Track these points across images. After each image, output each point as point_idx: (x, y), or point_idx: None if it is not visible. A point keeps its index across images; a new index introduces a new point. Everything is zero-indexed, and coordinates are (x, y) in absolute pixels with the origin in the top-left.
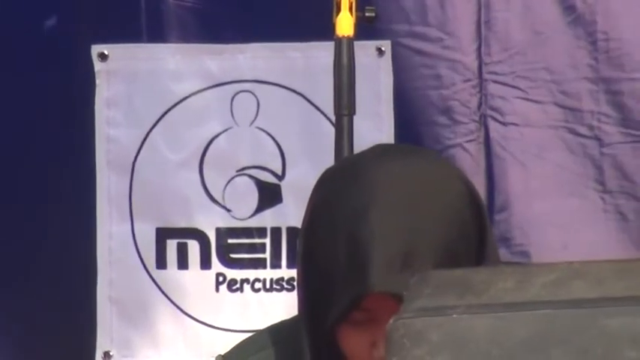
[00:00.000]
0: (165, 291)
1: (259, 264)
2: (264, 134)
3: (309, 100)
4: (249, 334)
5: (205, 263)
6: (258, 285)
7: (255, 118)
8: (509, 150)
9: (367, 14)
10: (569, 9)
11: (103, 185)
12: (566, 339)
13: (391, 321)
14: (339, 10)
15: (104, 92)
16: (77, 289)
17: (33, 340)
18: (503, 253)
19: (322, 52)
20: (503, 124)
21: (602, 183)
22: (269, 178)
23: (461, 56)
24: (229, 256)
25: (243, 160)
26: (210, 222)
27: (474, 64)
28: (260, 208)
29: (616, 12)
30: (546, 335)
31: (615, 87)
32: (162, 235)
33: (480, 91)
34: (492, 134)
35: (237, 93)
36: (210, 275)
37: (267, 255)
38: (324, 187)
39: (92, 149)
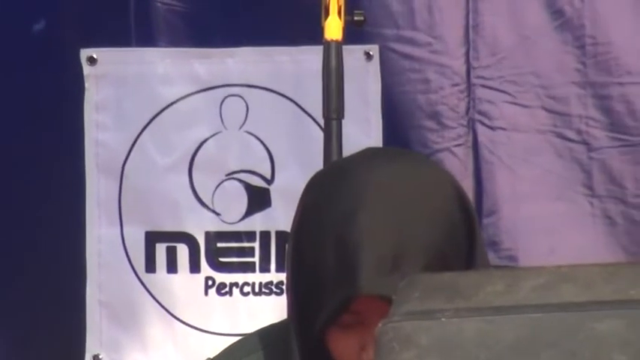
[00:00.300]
0: (155, 294)
1: (248, 268)
2: (253, 138)
3: (297, 105)
4: (238, 338)
5: (194, 267)
6: (247, 289)
7: (244, 122)
8: (497, 154)
9: (356, 18)
10: (556, 13)
11: (92, 189)
12: (554, 342)
13: (380, 324)
14: (327, 14)
15: (93, 96)
16: (67, 292)
17: (22, 343)
18: (491, 258)
19: (311, 57)
20: (492, 128)
21: (590, 187)
22: (258, 182)
23: (449, 60)
24: (218, 260)
25: (232, 164)
26: (199, 226)
27: (462, 69)
28: (249, 212)
29: (604, 16)
30: (535, 339)
31: (603, 91)
32: (152, 238)
33: (468, 95)
34: (480, 138)
35: (226, 97)
36: (199, 279)
37: (256, 259)
38: (313, 191)
39: (81, 153)
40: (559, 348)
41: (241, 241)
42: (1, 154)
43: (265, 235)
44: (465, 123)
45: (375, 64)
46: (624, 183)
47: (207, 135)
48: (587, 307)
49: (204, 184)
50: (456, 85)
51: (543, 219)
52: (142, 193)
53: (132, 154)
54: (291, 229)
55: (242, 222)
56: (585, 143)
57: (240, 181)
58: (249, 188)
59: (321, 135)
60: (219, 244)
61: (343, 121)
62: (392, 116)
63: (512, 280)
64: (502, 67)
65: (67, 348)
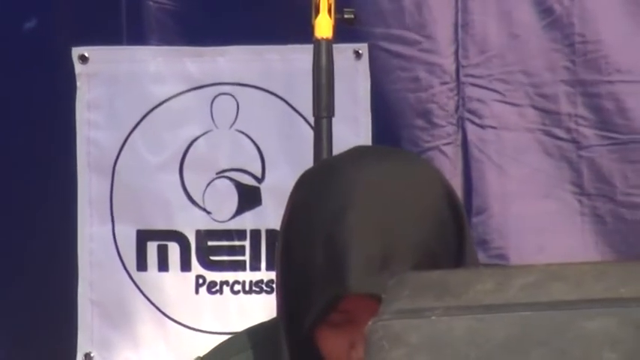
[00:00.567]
0: (146, 293)
1: (239, 266)
2: (243, 137)
3: (288, 103)
4: (229, 336)
5: (185, 265)
6: (237, 287)
7: (235, 120)
8: (486, 153)
9: (346, 16)
10: (546, 12)
11: (84, 187)
12: (544, 341)
13: (370, 323)
14: (317, 12)
15: (85, 95)
16: (58, 290)
17: (14, 341)
18: (481, 256)
19: (301, 55)
20: (481, 126)
21: (579, 185)
22: (249, 181)
23: (438, 59)
24: (209, 259)
25: (222, 163)
26: (190, 224)
27: (452, 67)
28: (240, 211)
29: (593, 14)
30: (525, 337)
31: (592, 90)
32: (143, 237)
33: (458, 93)
34: (470, 137)
35: (217, 95)
36: (190, 277)
37: (247, 257)
38: (302, 189)
39: (73, 151)
40: (549, 346)
41: (232, 239)
42: None
43: (256, 234)
44: (454, 121)
45: (365, 63)
46: (613, 181)
47: (198, 133)
48: (577, 306)
49: (195, 182)
50: (446, 83)
51: (533, 217)
52: (134, 192)
53: (123, 152)
54: (281, 228)
55: (233, 220)
56: (575, 142)
57: (230, 179)
58: (239, 187)
59: (311, 133)
60: (209, 243)
61: (333, 120)
62: (381, 115)
63: (502, 278)
64: (491, 66)
65: (59, 346)
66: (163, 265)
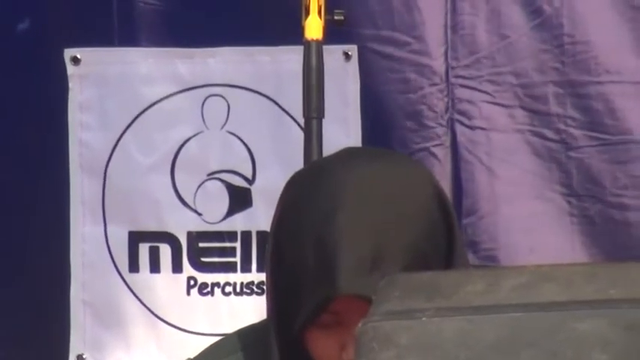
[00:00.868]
0: (138, 294)
1: (230, 268)
2: (234, 138)
3: (278, 104)
4: (220, 338)
5: (177, 267)
6: (228, 289)
7: (226, 122)
8: (476, 154)
9: (336, 17)
10: (535, 12)
11: (76, 188)
12: (535, 342)
13: (360, 324)
14: (307, 13)
15: (77, 96)
16: (51, 291)
17: (6, 342)
18: (471, 258)
19: (291, 56)
20: (471, 127)
21: (568, 186)
22: (239, 182)
23: (428, 60)
24: (200, 260)
25: (213, 164)
26: (181, 225)
27: (442, 68)
28: (230, 212)
29: (582, 15)
30: (515, 338)
31: (582, 90)
32: (135, 238)
33: (447, 95)
34: (459, 138)
35: (208, 97)
36: (181, 279)
37: (238, 259)
38: (292, 190)
39: (66, 152)
40: (540, 348)
41: (223, 241)
42: None
43: (246, 235)
44: (444, 123)
45: (354, 64)
46: (603, 182)
47: (189, 135)
48: (568, 307)
49: (186, 183)
50: (435, 84)
51: (522, 219)
52: (125, 193)
53: (115, 153)
54: (271, 229)
55: (223, 222)
56: (564, 142)
57: (221, 181)
58: (230, 188)
59: (301, 135)
60: (200, 244)
61: (322, 121)
62: (371, 116)
63: (493, 279)
64: (481, 67)
65: (51, 347)
66: (155, 267)
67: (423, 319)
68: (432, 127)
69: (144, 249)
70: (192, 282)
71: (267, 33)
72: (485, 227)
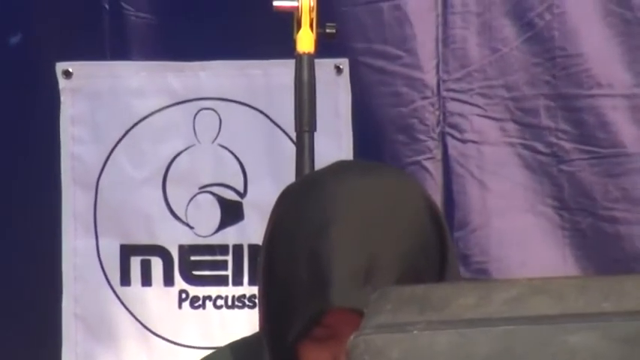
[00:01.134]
0: (130, 308)
1: (221, 281)
2: (226, 152)
3: (270, 118)
4: (211, 351)
5: (168, 280)
6: (220, 302)
7: (217, 135)
8: (467, 167)
9: (328, 31)
10: (526, 26)
11: (68, 201)
12: (527, 355)
13: (351, 337)
14: (299, 26)
15: (69, 109)
16: (42, 304)
17: None
18: (462, 271)
19: (283, 70)
20: (462, 141)
21: (560, 200)
22: (231, 196)
23: (419, 74)
24: (192, 273)
25: (205, 178)
26: (173, 239)
27: (433, 82)
28: (222, 226)
29: (574, 28)
30: (507, 352)
31: (573, 104)
32: (126, 251)
33: (439, 108)
34: (451, 151)
35: (200, 110)
36: (173, 292)
37: (229, 272)
38: (284, 204)
39: (58, 166)
40: None
41: (214, 254)
42: None
43: (238, 249)
44: (435, 136)
45: (345, 78)
46: (594, 195)
47: (180, 148)
48: (559, 320)
49: (178, 197)
50: (427, 98)
51: (514, 232)
52: (117, 207)
53: (106, 167)
54: (263, 242)
55: (215, 235)
56: (555, 156)
57: (213, 194)
58: (222, 201)
59: (293, 148)
60: (192, 258)
61: (314, 135)
62: (363, 130)
63: (485, 292)
64: (472, 80)
65: None
66: (146, 280)
67: (415, 332)
68: (424, 141)
69: (135, 262)
70: (183, 295)
71: (259, 46)
72: (477, 240)
